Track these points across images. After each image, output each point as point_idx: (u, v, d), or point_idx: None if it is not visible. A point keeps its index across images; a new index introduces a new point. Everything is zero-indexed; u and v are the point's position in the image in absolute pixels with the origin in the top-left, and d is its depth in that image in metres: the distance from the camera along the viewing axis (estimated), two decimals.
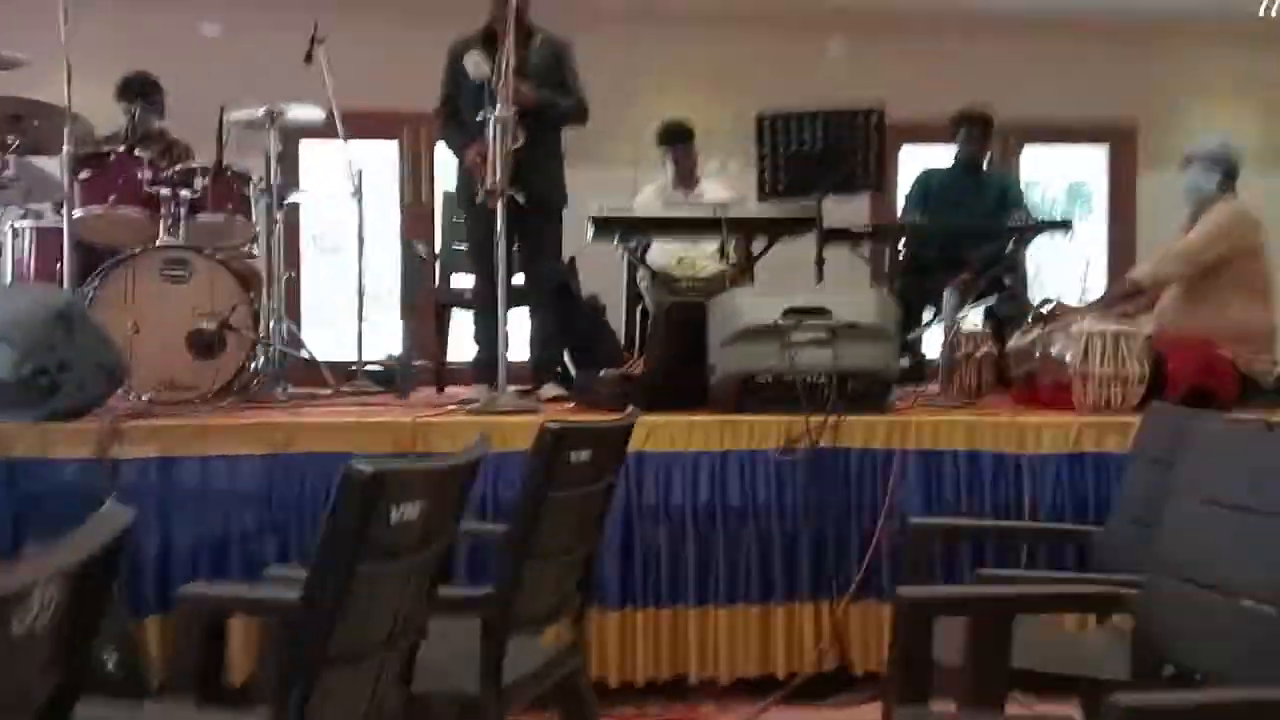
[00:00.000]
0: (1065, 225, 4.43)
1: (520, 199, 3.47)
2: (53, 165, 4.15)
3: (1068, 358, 3.43)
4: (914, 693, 1.82)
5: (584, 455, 2.02)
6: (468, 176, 3.88)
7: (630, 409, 2.34)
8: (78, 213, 3.80)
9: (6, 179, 3.99)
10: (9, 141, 3.98)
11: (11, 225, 4.15)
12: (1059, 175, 7.77)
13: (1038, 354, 3.66)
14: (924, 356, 4.48)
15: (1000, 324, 4.27)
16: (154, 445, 2.81)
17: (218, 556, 2.78)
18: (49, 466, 2.80)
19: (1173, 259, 3.67)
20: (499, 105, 3.42)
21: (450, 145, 4.08)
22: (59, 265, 3.87)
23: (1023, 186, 5.78)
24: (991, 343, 3.99)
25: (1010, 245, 4.61)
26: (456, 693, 1.89)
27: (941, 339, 3.89)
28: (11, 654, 0.78)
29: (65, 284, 3.63)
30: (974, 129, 5.00)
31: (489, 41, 3.85)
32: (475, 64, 3.82)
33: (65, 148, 3.69)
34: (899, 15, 6.77)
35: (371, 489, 1.31)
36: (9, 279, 4.10)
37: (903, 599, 1.84)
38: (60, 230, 3.87)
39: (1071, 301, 3.89)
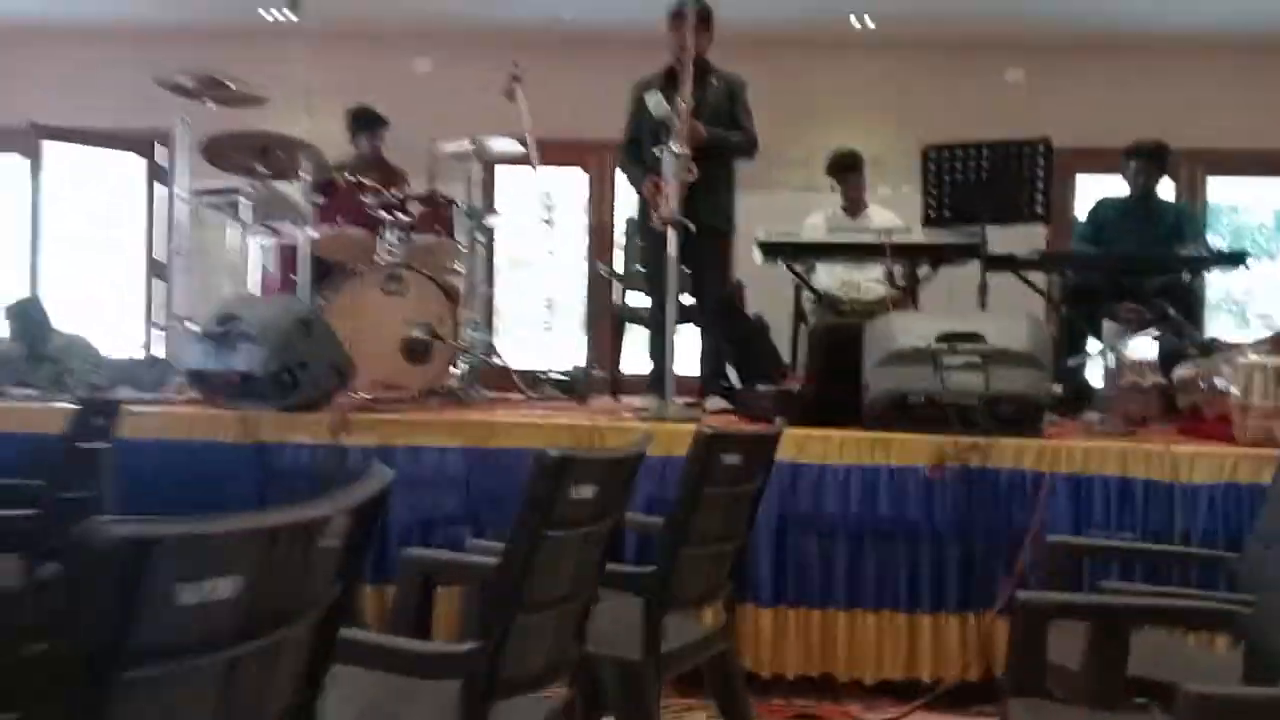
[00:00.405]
0: (1239, 259, 4.37)
1: (691, 227, 3.78)
2: (291, 188, 4.80)
3: (1229, 389, 3.44)
4: (1029, 688, 1.99)
5: (734, 458, 2.30)
6: (645, 205, 4.21)
7: (778, 420, 2.60)
8: (312, 232, 4.39)
9: (257, 201, 4.62)
10: (258, 169, 4.61)
11: (259, 242, 4.81)
12: (1266, 202, 7.46)
13: (1203, 385, 3.66)
14: (1088, 384, 4.50)
15: (1168, 355, 4.26)
16: (374, 435, 3.28)
17: (425, 534, 3.21)
18: (290, 449, 3.32)
19: None
20: (674, 143, 3.76)
21: (629, 177, 4.41)
22: (294, 276, 4.47)
23: (1219, 214, 5.66)
24: (1158, 373, 4.02)
25: (1183, 276, 4.59)
26: (621, 657, 2.20)
27: (1107, 366, 3.94)
28: (316, 562, 1.14)
29: (303, 294, 4.21)
30: (1144, 161, 4.97)
31: (670, 81, 4.17)
32: (657, 103, 4.15)
33: (304, 175, 4.29)
34: (1079, 42, 6.72)
35: (558, 469, 1.65)
36: (256, 287, 4.74)
37: (1019, 601, 2.02)
38: (295, 246, 4.49)
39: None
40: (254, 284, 4.66)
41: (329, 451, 3.19)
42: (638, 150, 4.29)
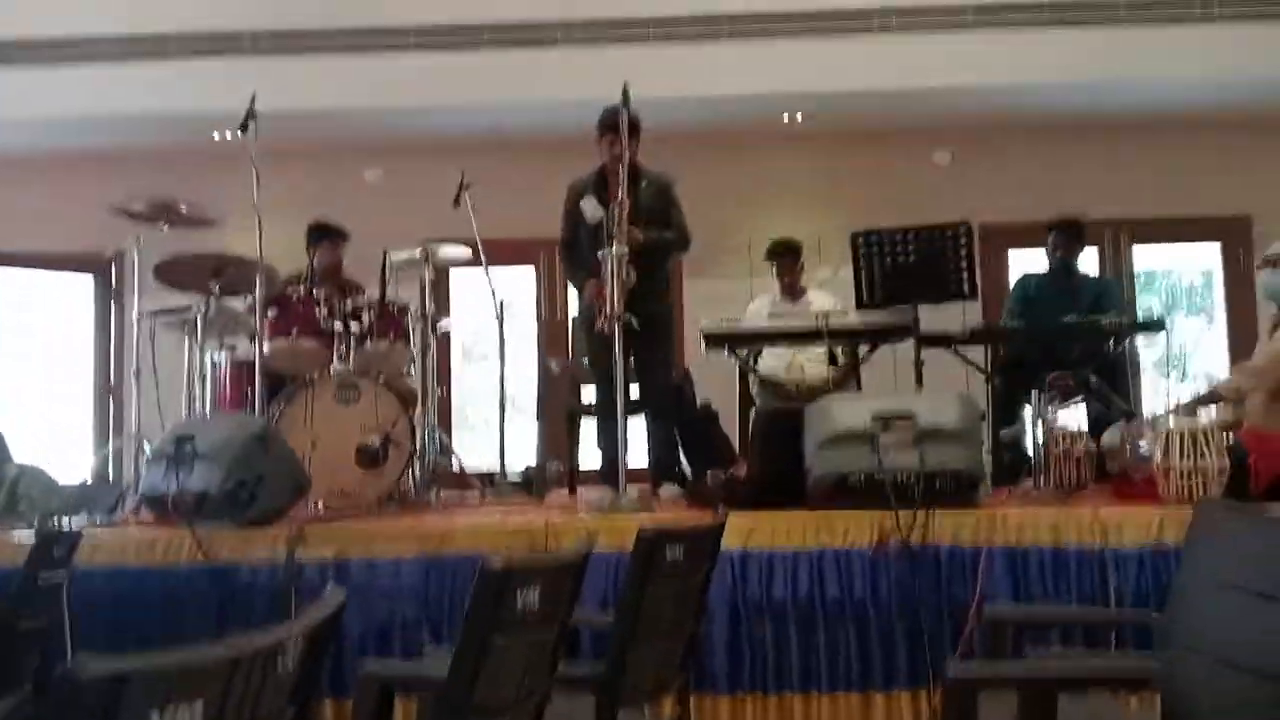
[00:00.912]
0: (1159, 325, 4.60)
1: (635, 324, 3.93)
2: (243, 304, 4.90)
3: (1153, 453, 3.61)
4: None
5: (678, 553, 2.40)
6: (587, 305, 4.36)
7: (720, 510, 2.71)
8: (266, 346, 4.49)
9: (210, 319, 4.72)
10: (211, 287, 4.72)
11: (211, 358, 4.88)
12: (1195, 264, 7.77)
13: (1128, 450, 3.84)
14: (1023, 453, 4.67)
15: (1097, 422, 4.45)
16: (330, 548, 3.34)
17: (383, 643, 3.25)
18: (246, 568, 3.36)
19: (1252, 373, 3.79)
20: (615, 244, 3.93)
21: (570, 278, 4.58)
22: (249, 391, 4.55)
23: (1153, 277, 5.90)
24: (1088, 439, 4.19)
25: (1109, 345, 4.81)
26: None
27: (1035, 436, 4.11)
28: (276, 685, 1.22)
29: (257, 408, 4.29)
30: (1063, 235, 5.24)
31: (601, 184, 4.36)
32: (592, 208, 4.34)
33: (258, 292, 4.40)
34: (1002, 123, 7.07)
35: (501, 579, 1.74)
36: (209, 404, 4.80)
37: (948, 674, 2.12)
38: (250, 361, 4.58)
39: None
40: (208, 401, 4.72)
41: (285, 568, 3.24)
42: (577, 252, 4.45)
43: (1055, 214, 5.45)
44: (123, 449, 5.16)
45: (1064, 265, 5.30)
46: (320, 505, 4.17)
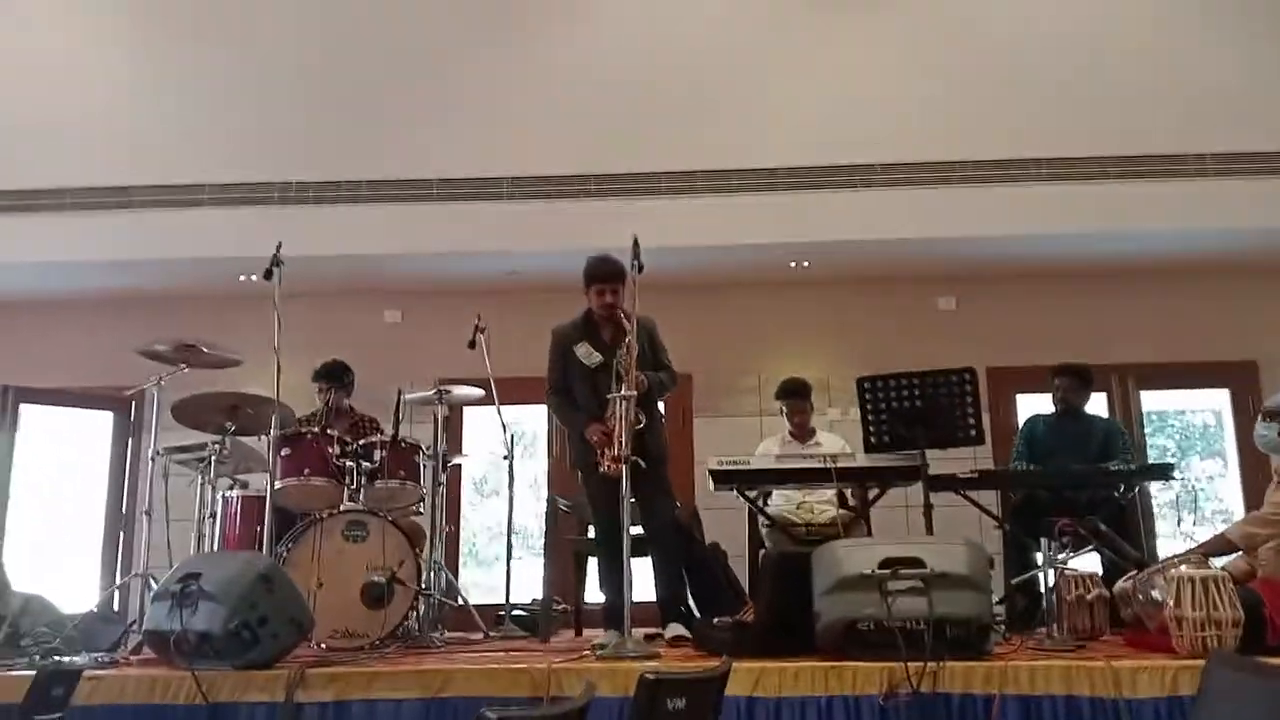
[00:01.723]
0: (1166, 471, 4.59)
1: (643, 464, 3.96)
2: (258, 443, 4.98)
3: (1165, 601, 3.56)
4: None
5: (680, 703, 2.37)
6: (585, 446, 4.37)
7: (725, 659, 2.68)
8: (278, 484, 4.54)
9: (224, 457, 4.79)
10: (226, 426, 4.80)
11: (223, 494, 4.93)
12: (1207, 404, 7.78)
13: (1140, 598, 3.78)
14: (1038, 599, 4.60)
15: (1110, 568, 4.41)
16: (330, 690, 3.30)
17: None
18: (244, 709, 3.32)
19: (1261, 521, 3.76)
20: (623, 386, 4.00)
21: (564, 421, 4.59)
22: (259, 528, 4.57)
23: (1166, 417, 5.89)
24: (1101, 586, 4.15)
25: (1119, 489, 4.80)
26: None
27: (1046, 583, 4.06)
28: None
29: (265, 546, 4.30)
30: (1070, 380, 5.30)
31: (590, 328, 4.46)
32: (587, 353, 4.42)
33: (272, 432, 4.48)
34: (1004, 272, 7.23)
35: None
36: (218, 540, 4.82)
37: None
38: (261, 497, 4.62)
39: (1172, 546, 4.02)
40: (217, 538, 4.74)
41: (284, 710, 3.20)
42: (570, 396, 4.51)
43: (1060, 359, 5.53)
44: (129, 585, 5.15)
45: (1072, 410, 5.33)
46: (324, 645, 4.13)
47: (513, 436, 5.48)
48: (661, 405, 4.65)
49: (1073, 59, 6.64)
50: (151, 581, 4.62)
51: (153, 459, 4.95)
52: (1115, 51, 6.64)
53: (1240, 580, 3.64)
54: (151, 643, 3.75)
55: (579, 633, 5.07)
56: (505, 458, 5.44)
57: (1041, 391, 5.61)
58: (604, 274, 4.33)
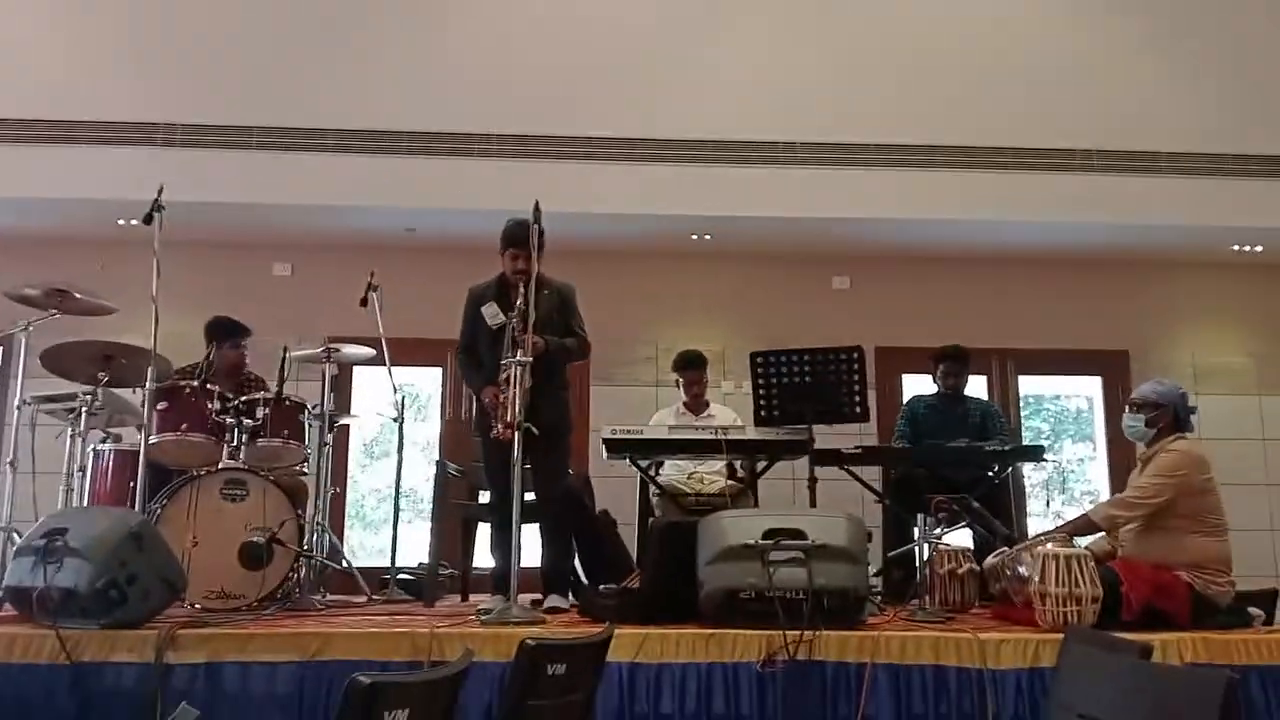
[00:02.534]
0: (1038, 453, 4.79)
1: (535, 431, 3.94)
2: (133, 396, 4.78)
3: (1031, 577, 3.73)
4: None
5: (560, 668, 2.38)
6: (482, 411, 4.35)
7: (606, 625, 2.70)
8: (153, 439, 4.36)
9: (95, 408, 4.58)
10: (99, 377, 4.59)
11: (94, 448, 4.72)
12: (1082, 390, 8.13)
13: (1008, 573, 3.95)
14: (913, 572, 4.76)
15: (981, 544, 4.59)
16: (203, 652, 3.21)
17: None
18: (110, 669, 3.20)
19: (1124, 504, 3.94)
20: (518, 353, 3.97)
21: (469, 383, 4.54)
22: (132, 484, 4.40)
23: (1042, 401, 6.13)
24: (972, 561, 4.32)
25: (994, 469, 5.00)
26: None
27: (921, 557, 4.21)
28: None
29: (138, 503, 4.14)
30: (950, 363, 5.48)
31: (502, 290, 4.40)
32: (493, 314, 4.37)
33: (148, 385, 4.30)
34: (897, 255, 7.42)
35: (368, 697, 1.70)
36: (88, 495, 4.62)
37: None
38: (135, 452, 4.44)
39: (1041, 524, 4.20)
40: (87, 493, 4.55)
41: (151, 671, 3.10)
42: (476, 356, 4.47)
43: (945, 342, 5.70)
44: None
45: (952, 391, 5.52)
46: (198, 605, 4.02)
47: (403, 398, 5.40)
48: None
49: (975, 52, 6.81)
50: (15, 536, 4.41)
51: (19, 408, 4.71)
52: (1016, 46, 6.84)
53: (1101, 559, 3.84)
54: (12, 599, 3.59)
55: (465, 598, 5.05)
56: (395, 420, 5.36)
57: (926, 372, 5.78)
58: (516, 238, 4.26)
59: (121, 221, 6.49)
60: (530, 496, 4.48)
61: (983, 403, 5.62)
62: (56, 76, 6.44)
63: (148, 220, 4.30)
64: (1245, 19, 6.93)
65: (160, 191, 4.30)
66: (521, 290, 4.05)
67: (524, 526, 4.00)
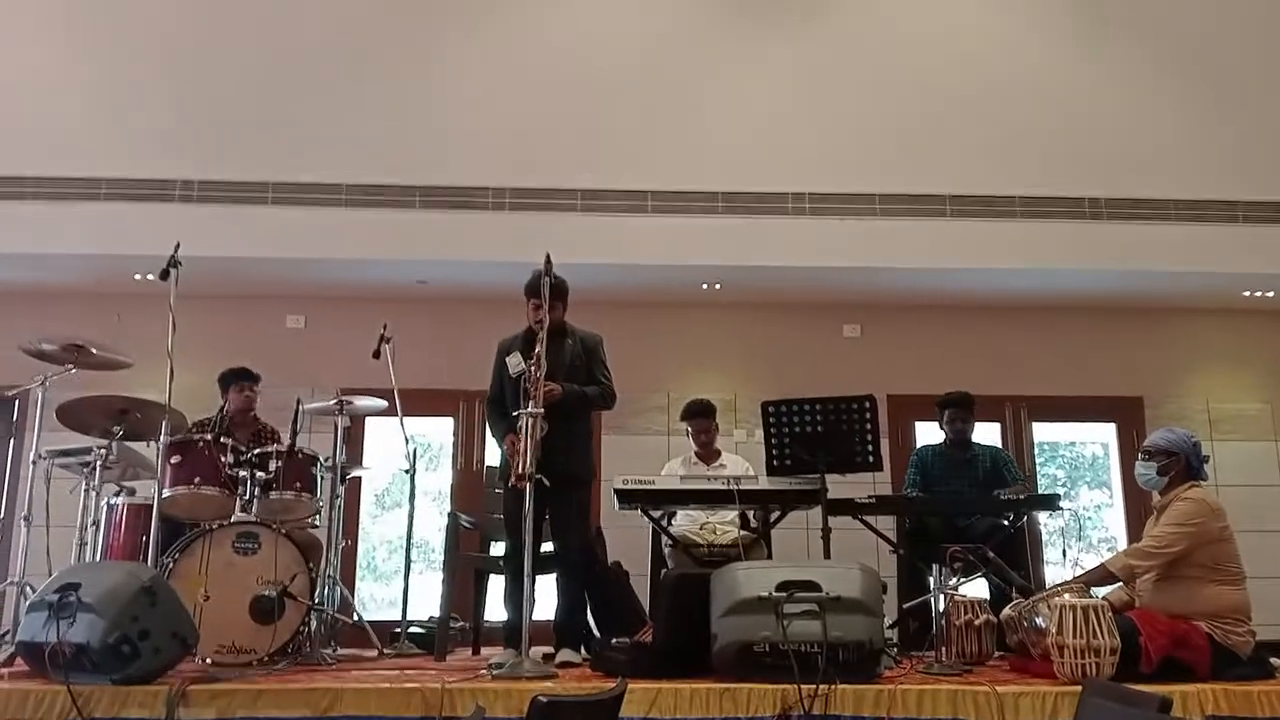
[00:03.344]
0: (1053, 501, 4.76)
1: (546, 483, 3.93)
2: (147, 450, 4.81)
3: (1048, 628, 3.68)
4: None
5: None
6: (507, 458, 4.36)
7: (620, 680, 2.68)
8: (166, 492, 4.38)
9: (110, 462, 4.60)
10: (114, 431, 4.63)
11: (108, 501, 4.74)
12: (1096, 436, 8.08)
13: (1025, 624, 3.91)
14: (929, 623, 4.71)
15: (997, 594, 4.54)
16: (213, 709, 3.20)
17: None
18: None
19: (1141, 554, 3.90)
20: (530, 403, 3.98)
21: (494, 432, 4.56)
22: (145, 538, 4.41)
23: (1057, 448, 6.06)
24: (989, 612, 4.27)
25: (1007, 518, 4.96)
26: None
27: (937, 608, 4.16)
28: None
29: (150, 557, 4.14)
30: (956, 410, 5.47)
31: (529, 341, 4.43)
32: (516, 363, 4.41)
33: (161, 438, 4.33)
34: (908, 304, 7.43)
35: None
36: (101, 549, 4.63)
37: None
38: (148, 505, 4.46)
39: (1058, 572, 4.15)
40: (100, 547, 4.56)
41: None
42: (502, 406, 4.49)
43: (958, 389, 5.69)
44: (4, 593, 4.91)
45: (960, 438, 5.49)
46: (209, 660, 4.00)
47: (415, 449, 5.41)
48: None
49: (985, 101, 6.87)
50: (28, 590, 4.43)
51: (34, 462, 4.75)
52: (1027, 96, 6.89)
53: (1119, 609, 3.79)
54: (25, 654, 3.58)
55: (476, 651, 5.01)
56: (407, 471, 5.36)
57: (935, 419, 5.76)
58: (533, 288, 4.31)
59: (138, 276, 6.57)
60: (549, 546, 4.49)
61: (991, 449, 5.59)
62: (74, 134, 6.56)
63: (164, 276, 4.36)
64: (1253, 65, 6.98)
65: (177, 248, 4.36)
66: (543, 339, 4.09)
67: (543, 577, 3.98)
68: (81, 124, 6.59)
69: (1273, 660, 3.86)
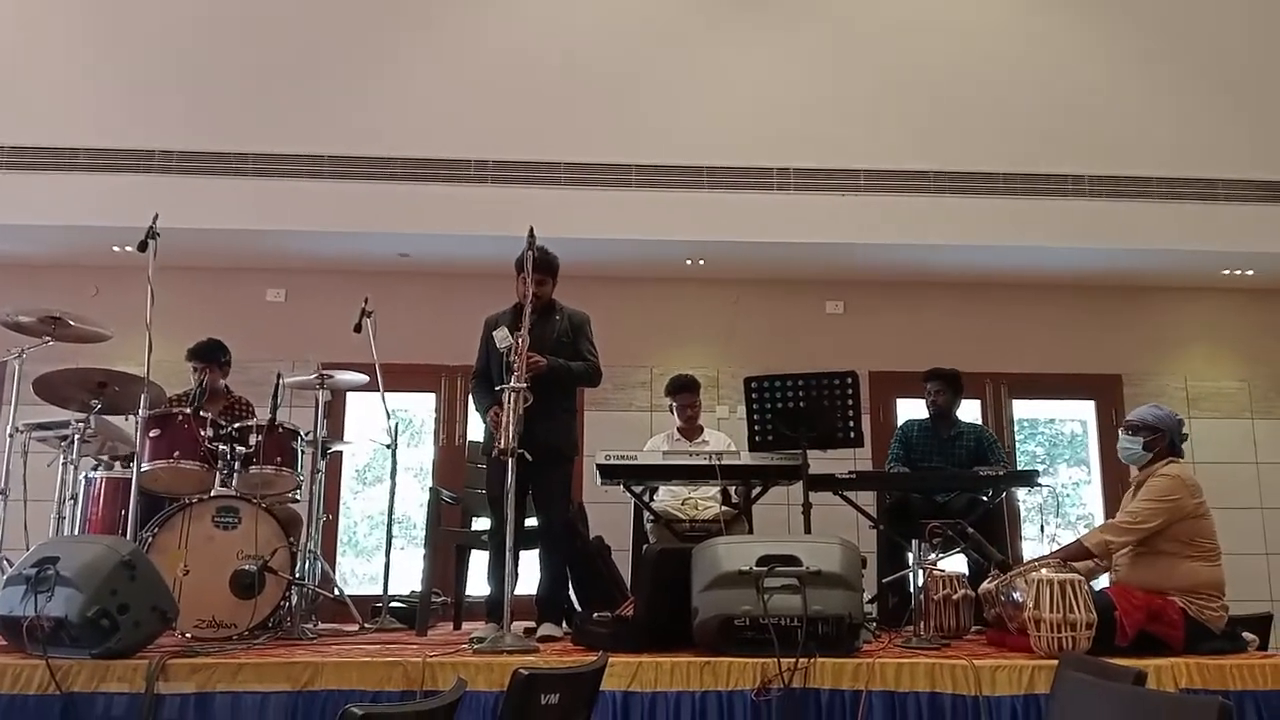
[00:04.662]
0: (1032, 478, 4.79)
1: (529, 457, 3.93)
2: (125, 423, 4.77)
3: (1025, 602, 3.72)
4: None
5: (554, 698, 2.36)
6: (490, 432, 4.36)
7: (602, 654, 2.68)
8: (145, 466, 4.35)
9: (88, 435, 4.57)
10: (92, 404, 4.59)
11: (86, 475, 4.71)
12: (1076, 414, 8.14)
13: (1002, 599, 3.94)
14: (908, 598, 4.75)
15: (976, 569, 4.58)
16: (193, 682, 3.19)
17: None
18: (101, 699, 3.18)
19: (1117, 529, 3.94)
20: (514, 377, 3.97)
21: (478, 406, 4.54)
22: (124, 512, 4.38)
23: (1036, 425, 6.12)
24: (967, 586, 4.31)
25: (986, 493, 4.99)
26: None
27: (916, 583, 4.19)
28: None
29: (129, 531, 4.12)
30: (941, 384, 5.49)
31: (516, 317, 4.41)
32: (502, 338, 4.39)
33: (141, 412, 4.29)
34: (891, 280, 7.45)
35: None
36: (79, 523, 4.60)
37: None
38: (126, 479, 4.43)
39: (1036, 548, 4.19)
40: (79, 521, 4.53)
41: (142, 701, 3.07)
42: (488, 380, 4.49)
43: (938, 366, 5.71)
44: None
45: (943, 413, 5.52)
46: (189, 635, 3.99)
47: (396, 425, 5.39)
48: None
49: (968, 78, 6.87)
50: (5, 564, 4.40)
51: (11, 435, 4.71)
52: (1008, 73, 6.89)
53: (1086, 576, 3.83)
54: (3, 629, 3.56)
55: (458, 625, 5.02)
56: (388, 446, 5.35)
57: (920, 396, 5.78)
58: (520, 262, 4.29)
59: (117, 248, 6.51)
60: (533, 521, 4.49)
61: (977, 428, 5.62)
62: (52, 104, 6.47)
63: (142, 247, 4.30)
64: (1236, 43, 7.00)
65: (155, 219, 4.31)
66: (542, 314, 4.07)
67: (526, 553, 3.98)
68: (59, 94, 6.50)
69: (1245, 635, 3.91)
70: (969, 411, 7.15)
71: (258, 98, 6.54)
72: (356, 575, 7.49)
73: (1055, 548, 4.21)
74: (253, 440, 4.54)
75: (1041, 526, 5.43)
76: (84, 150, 6.40)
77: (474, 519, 5.33)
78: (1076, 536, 4.10)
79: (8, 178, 6.36)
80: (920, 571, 4.11)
